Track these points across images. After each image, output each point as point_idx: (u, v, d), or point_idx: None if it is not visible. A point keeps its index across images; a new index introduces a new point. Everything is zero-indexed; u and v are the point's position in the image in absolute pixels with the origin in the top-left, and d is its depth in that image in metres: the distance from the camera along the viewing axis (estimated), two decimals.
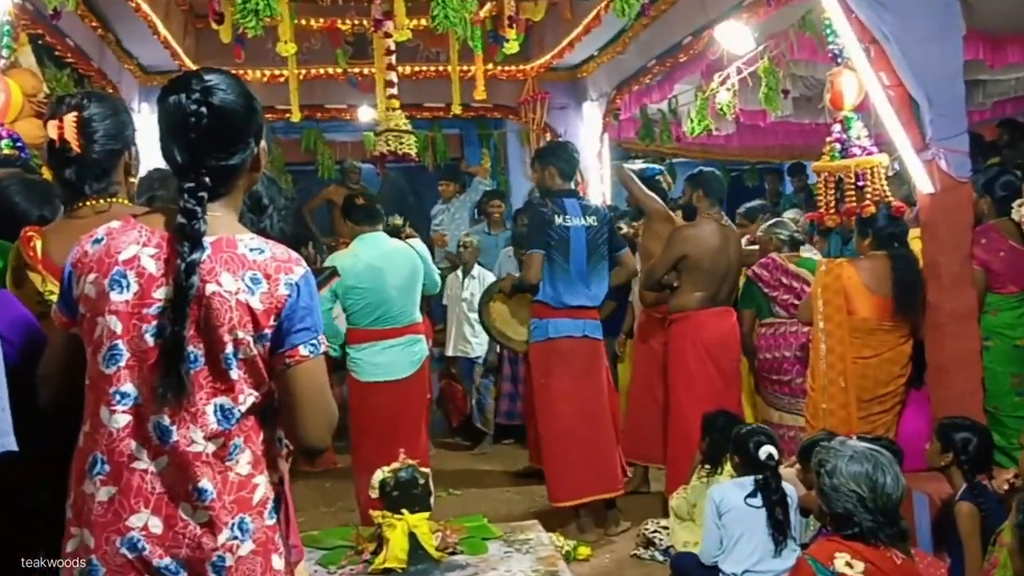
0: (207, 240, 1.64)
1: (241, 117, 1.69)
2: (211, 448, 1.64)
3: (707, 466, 3.99)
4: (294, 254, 1.72)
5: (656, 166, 5.85)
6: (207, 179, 1.66)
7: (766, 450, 3.40)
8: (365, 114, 7.56)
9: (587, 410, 4.63)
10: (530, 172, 8.30)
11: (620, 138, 8.50)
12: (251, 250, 1.67)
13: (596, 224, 4.65)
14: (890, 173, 4.23)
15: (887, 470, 2.43)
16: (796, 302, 4.60)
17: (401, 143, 6.72)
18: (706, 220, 4.84)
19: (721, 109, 6.34)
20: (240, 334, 1.63)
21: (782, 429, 4.66)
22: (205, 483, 1.63)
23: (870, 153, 4.03)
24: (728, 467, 3.77)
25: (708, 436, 4.06)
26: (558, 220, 4.56)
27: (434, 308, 6.88)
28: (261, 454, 1.70)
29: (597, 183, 7.49)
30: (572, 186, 4.79)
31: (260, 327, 1.64)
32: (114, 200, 2.09)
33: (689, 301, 4.79)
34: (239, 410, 1.65)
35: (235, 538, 1.64)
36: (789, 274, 4.76)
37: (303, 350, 1.68)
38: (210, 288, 1.62)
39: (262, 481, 1.70)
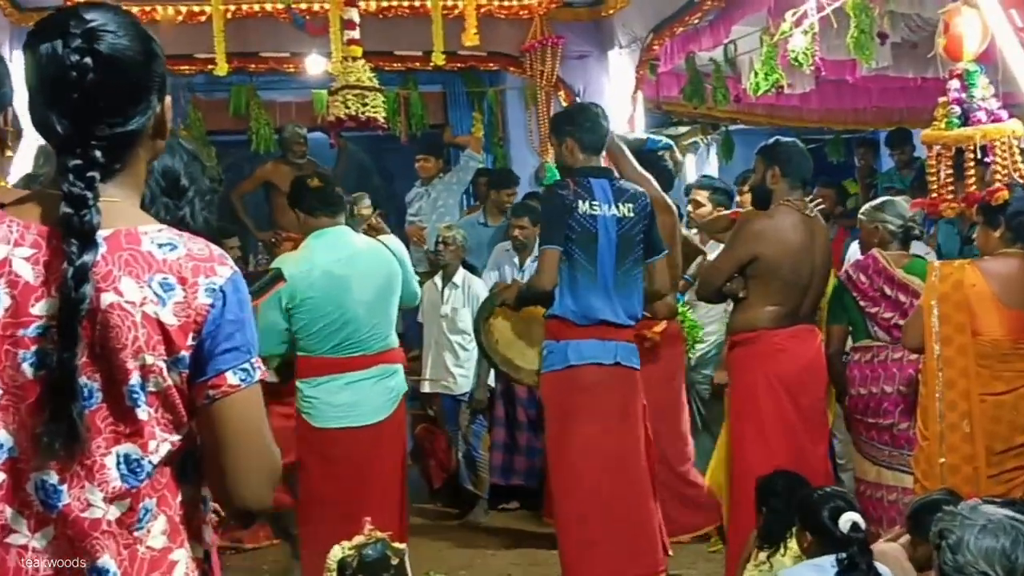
0: (101, 235, 1.63)
1: (139, 66, 1.69)
2: (114, 513, 1.64)
3: (766, 546, 3.98)
4: (217, 250, 1.73)
5: (662, 139, 5.84)
6: (98, 153, 1.65)
7: (848, 519, 3.36)
8: (315, 65, 7.57)
9: (621, 466, 4.62)
10: (536, 143, 8.40)
11: (659, 98, 8.52)
12: (160, 246, 1.67)
13: (633, 215, 4.65)
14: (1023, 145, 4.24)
15: None
16: (901, 322, 4.59)
17: (364, 104, 6.72)
18: (785, 209, 4.83)
19: (795, 59, 6.32)
20: (149, 359, 1.63)
21: (881, 490, 4.68)
22: (106, 560, 1.62)
23: (998, 119, 4.03)
24: (793, 545, 3.75)
25: (764, 506, 4.05)
26: (582, 207, 4.55)
27: (408, 327, 6.88)
28: (180, 520, 1.71)
29: None
30: (600, 162, 4.79)
31: (175, 348, 1.65)
32: None
33: (759, 317, 4.79)
34: (150, 461, 1.65)
35: None
36: (895, 283, 4.75)
37: (232, 377, 1.68)
38: (107, 299, 1.61)
39: (181, 557, 1.70)
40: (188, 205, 2.11)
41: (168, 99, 1.77)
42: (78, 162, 1.64)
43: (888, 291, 4.76)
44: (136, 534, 1.65)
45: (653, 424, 4.85)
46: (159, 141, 1.78)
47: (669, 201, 5.27)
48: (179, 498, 1.71)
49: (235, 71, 7.71)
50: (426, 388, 6.97)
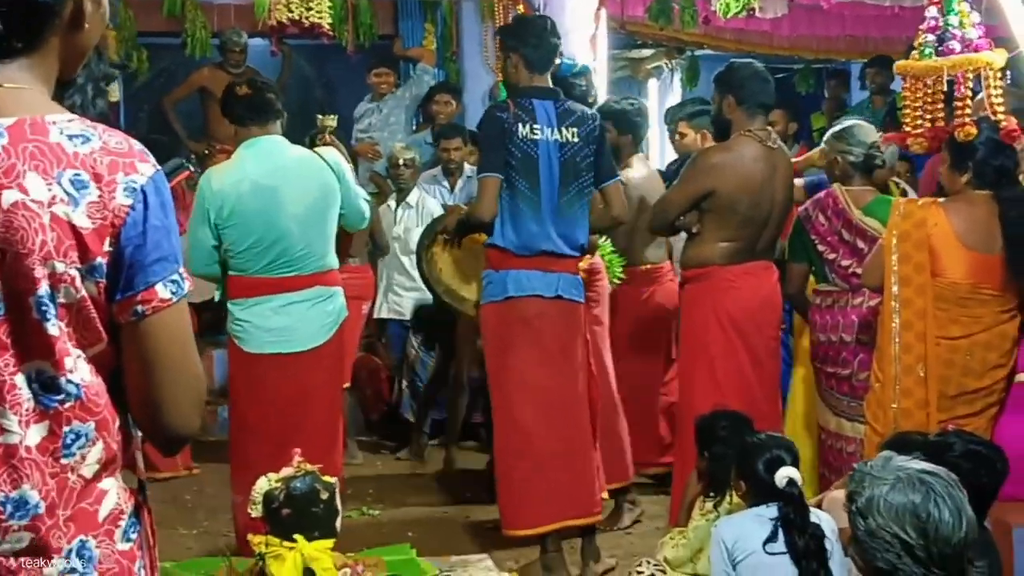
0: (2, 123, 1.55)
1: None
2: (33, 438, 1.58)
3: (712, 495, 3.99)
4: (137, 144, 1.64)
5: (575, 63, 5.75)
6: None
7: (784, 475, 3.34)
8: None
9: (559, 403, 4.63)
10: (491, 60, 8.28)
11: (624, 17, 8.42)
12: (71, 137, 1.58)
13: (578, 140, 4.59)
14: (1006, 80, 4.21)
15: (943, 501, 2.36)
16: (859, 271, 4.56)
17: (308, 9, 6.61)
18: (744, 140, 4.79)
19: None
20: (59, 266, 1.55)
21: (841, 441, 4.71)
22: (26, 491, 1.57)
23: (977, 49, 4.00)
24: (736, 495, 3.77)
25: (705, 450, 4.06)
26: (522, 130, 4.49)
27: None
28: (118, 448, 1.66)
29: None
30: (549, 82, 4.71)
31: (89, 255, 1.57)
32: None
33: (713, 253, 4.78)
34: (69, 380, 1.59)
35: (72, 571, 1.60)
36: (853, 227, 4.68)
37: (162, 291, 1.61)
38: (9, 197, 1.53)
39: (111, 486, 1.66)
40: (79, 92, 1.97)
41: None
42: None
43: (846, 235, 4.70)
44: (64, 461, 1.60)
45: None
46: (79, 36, 1.68)
47: None
48: (118, 423, 1.65)
49: None
50: (377, 313, 6.91)
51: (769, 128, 4.94)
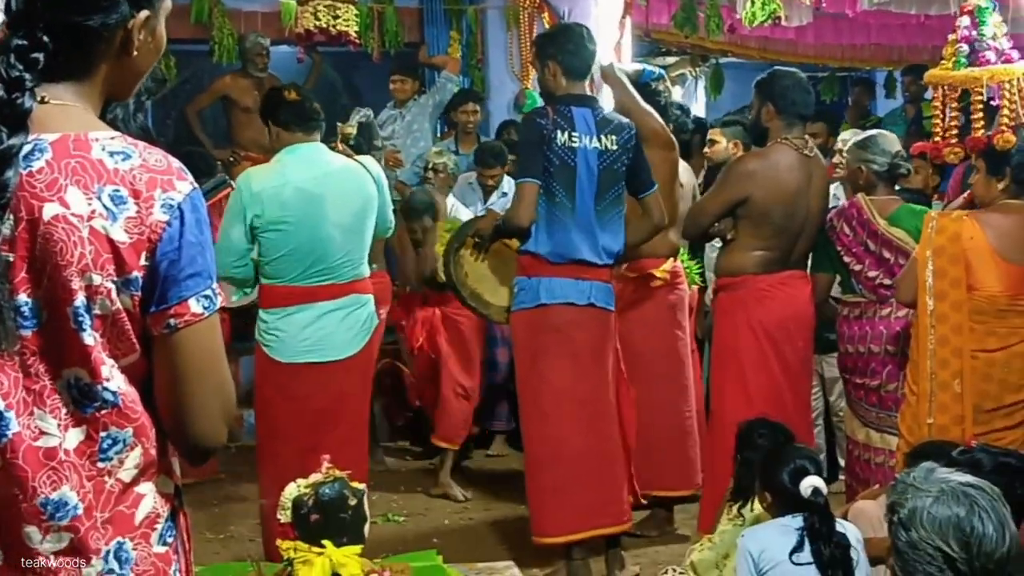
0: (47, 138, 1.59)
1: None
2: (71, 442, 1.62)
3: (739, 499, 3.95)
4: (175, 162, 1.68)
5: (653, 68, 5.74)
6: (46, 38, 1.61)
7: (809, 484, 3.29)
8: None
9: (590, 412, 4.62)
10: (516, 67, 8.30)
11: (648, 24, 8.43)
12: (112, 154, 1.62)
13: (616, 148, 4.58)
14: None
15: (988, 515, 2.35)
16: (887, 282, 4.57)
17: (335, 17, 6.62)
18: (781, 148, 4.76)
19: None
20: (96, 279, 1.59)
21: (869, 452, 4.69)
22: (65, 492, 1.61)
23: (1008, 60, 3.99)
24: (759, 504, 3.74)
25: (740, 455, 4.02)
26: (561, 137, 4.49)
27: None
28: (156, 453, 1.69)
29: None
30: (585, 89, 4.70)
31: (126, 269, 1.61)
32: None
33: (747, 261, 4.75)
34: (105, 388, 1.63)
35: (110, 572, 1.64)
36: (878, 237, 4.66)
37: (195, 305, 1.65)
38: (50, 210, 1.57)
39: (148, 491, 1.70)
40: (120, 107, 1.99)
41: (145, 15, 1.69)
42: (22, 42, 1.59)
43: (872, 246, 4.67)
44: (101, 465, 1.64)
45: (654, 369, 4.82)
46: (127, 61, 1.71)
47: (671, 136, 5.17)
48: (155, 429, 1.69)
49: None
50: None
51: (807, 137, 4.92)
